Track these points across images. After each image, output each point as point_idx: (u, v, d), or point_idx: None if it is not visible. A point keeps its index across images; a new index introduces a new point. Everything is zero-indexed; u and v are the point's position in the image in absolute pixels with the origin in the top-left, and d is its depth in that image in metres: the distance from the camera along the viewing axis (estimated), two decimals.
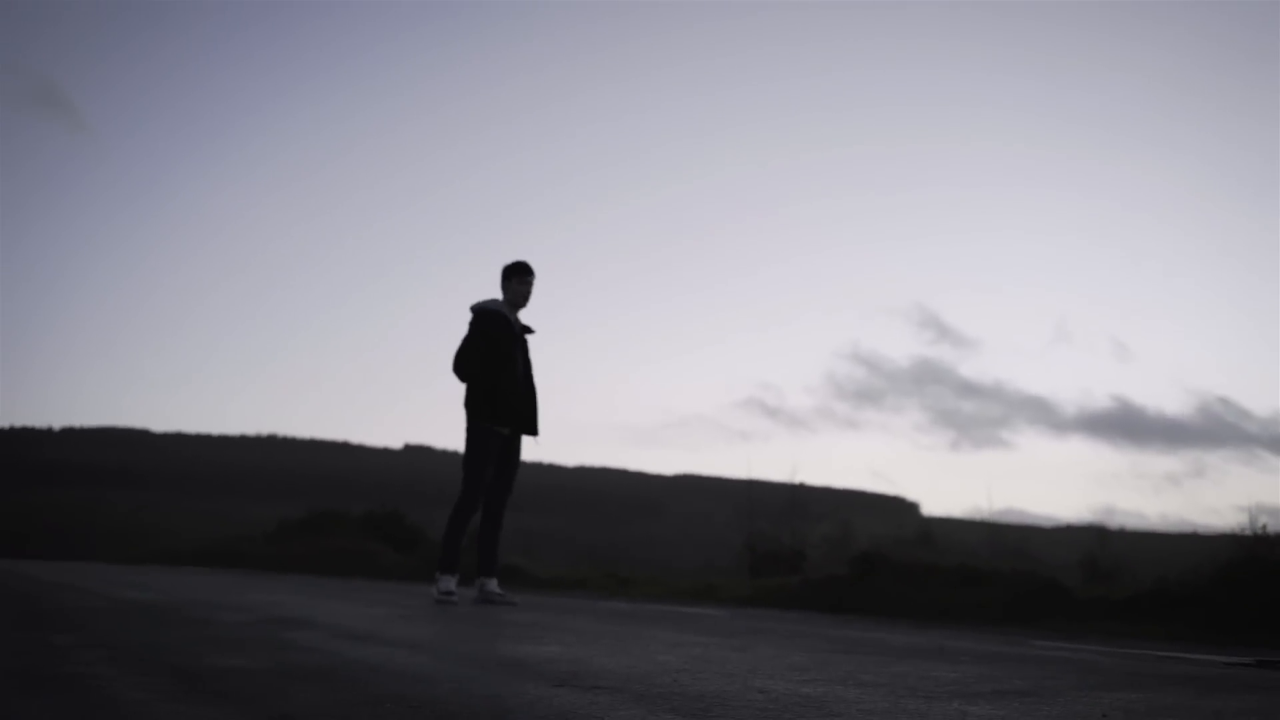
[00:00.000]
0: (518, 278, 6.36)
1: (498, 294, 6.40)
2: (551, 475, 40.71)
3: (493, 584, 6.27)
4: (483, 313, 6.28)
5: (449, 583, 6.16)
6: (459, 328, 6.45)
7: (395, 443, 47.81)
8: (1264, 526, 6.27)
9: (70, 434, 44.43)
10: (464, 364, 6.21)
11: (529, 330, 6.45)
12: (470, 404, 6.23)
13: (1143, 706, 2.39)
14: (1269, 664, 3.79)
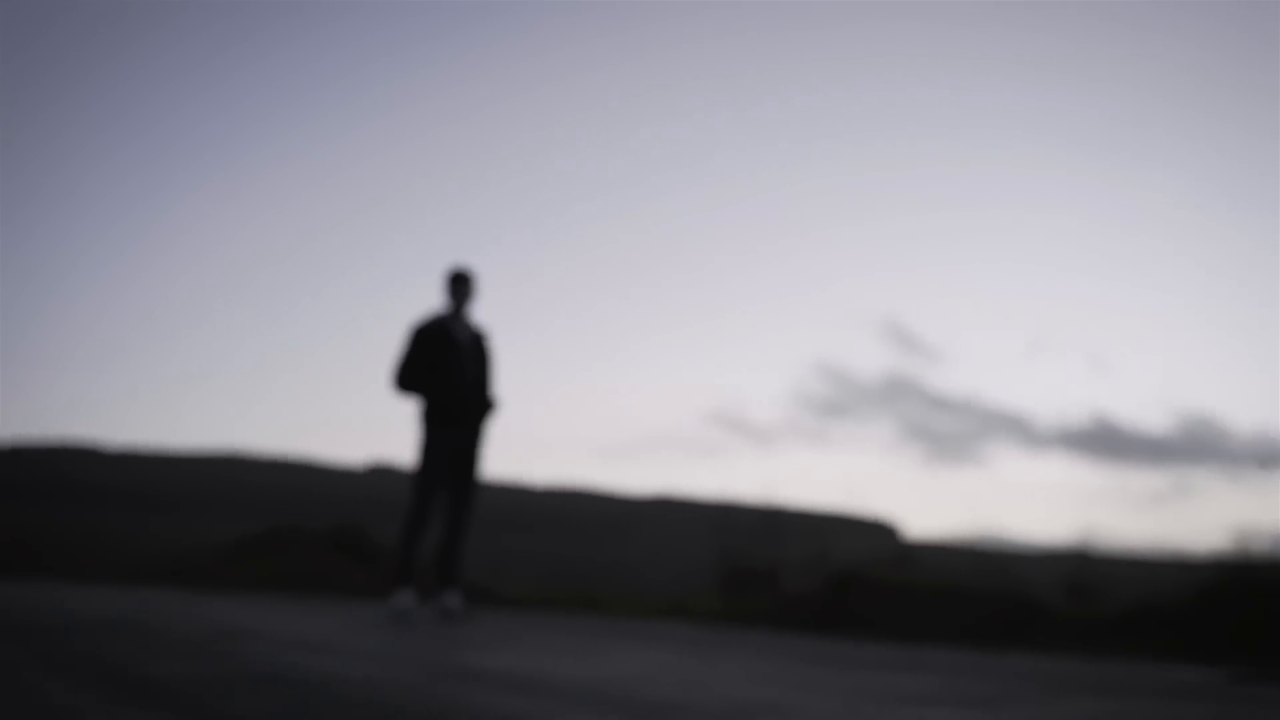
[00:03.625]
0: (454, 286, 6.43)
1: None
2: (522, 495, 40.40)
3: (452, 598, 6.14)
4: (415, 325, 6.39)
5: (404, 597, 6.03)
6: None
7: (359, 460, 47.30)
8: (1248, 548, 6.26)
9: (19, 450, 43.61)
10: (397, 376, 6.30)
11: (479, 336, 6.46)
12: (419, 414, 6.29)
13: (1104, 713, 2.33)
14: (1242, 678, 3.75)
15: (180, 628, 4.65)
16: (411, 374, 6.29)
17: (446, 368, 6.27)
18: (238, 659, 3.19)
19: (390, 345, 6.46)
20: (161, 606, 7.05)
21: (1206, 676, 3.75)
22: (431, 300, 6.49)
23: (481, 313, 6.60)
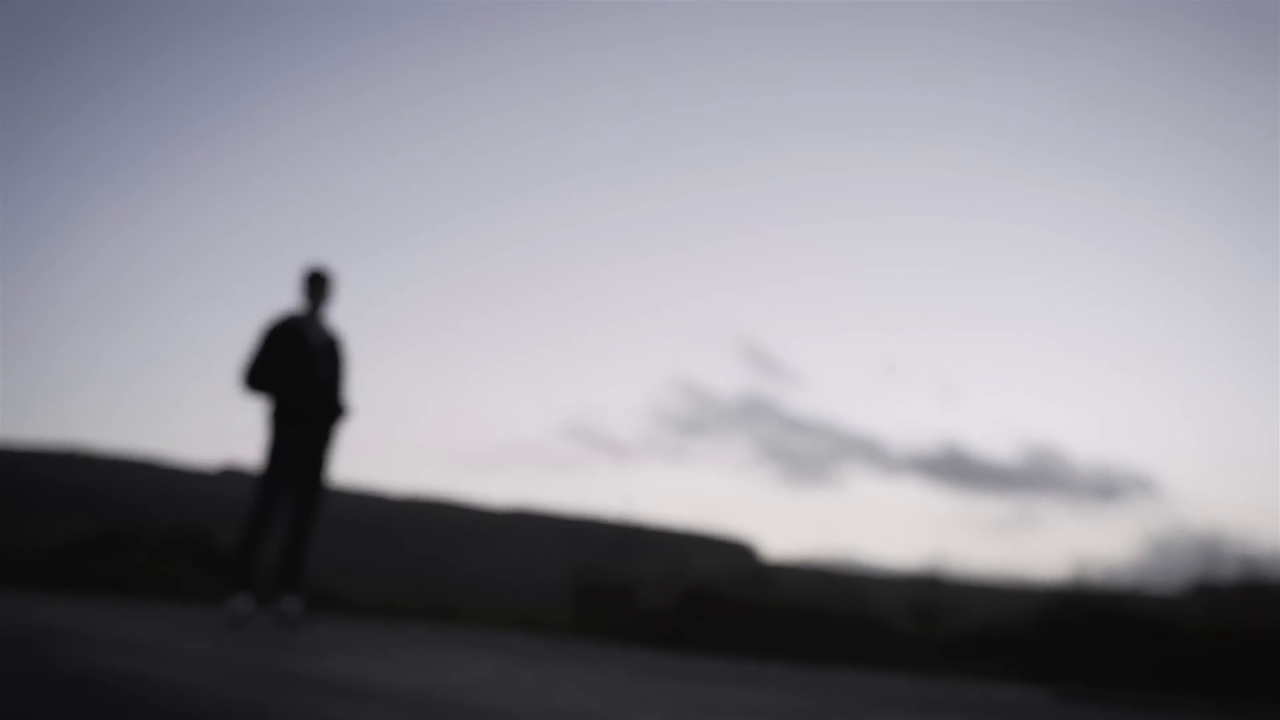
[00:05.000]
0: (311, 285, 6.26)
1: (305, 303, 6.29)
2: (379, 503, 39.54)
3: (292, 603, 5.94)
4: (268, 324, 6.20)
5: (241, 601, 5.81)
6: None
7: (211, 462, 45.45)
8: (1085, 575, 6.55)
9: None
10: (246, 375, 6.10)
11: (334, 339, 6.30)
12: (267, 414, 6.10)
13: None
14: (1066, 696, 3.92)
15: None
16: (261, 374, 6.09)
17: (297, 369, 6.08)
18: (49, 659, 3.01)
19: (245, 343, 6.22)
20: None
21: (1031, 695, 3.91)
22: (288, 298, 6.30)
23: (339, 317, 6.43)
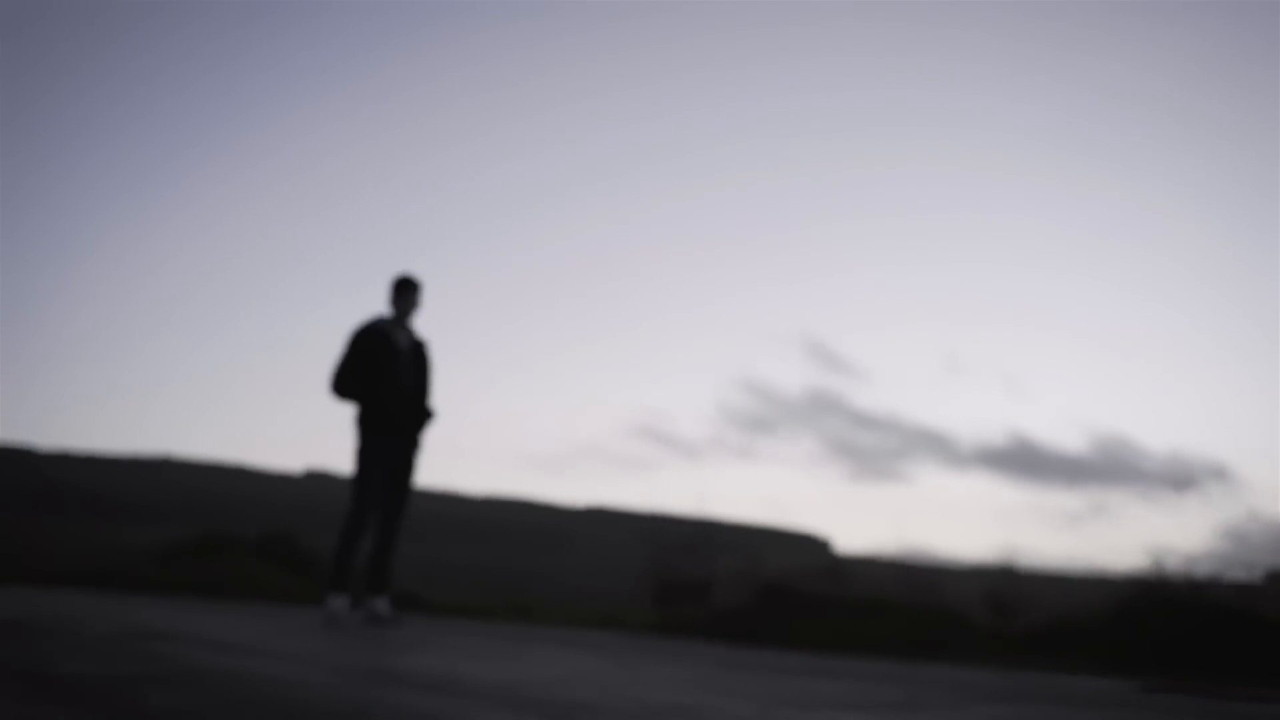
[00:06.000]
0: (400, 292, 6.37)
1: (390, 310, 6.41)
2: (458, 505, 40.10)
3: (382, 604, 6.10)
4: (356, 329, 6.31)
5: (337, 602, 5.98)
6: None
7: (296, 466, 46.64)
8: (1163, 568, 6.44)
9: None
10: (335, 381, 6.22)
11: (420, 344, 6.42)
12: (356, 420, 6.22)
13: (1006, 717, 2.40)
14: (1151, 689, 3.86)
15: (98, 628, 4.57)
16: (349, 379, 6.20)
17: (385, 375, 6.18)
18: (155, 659, 3.15)
19: (331, 352, 6.34)
20: (82, 608, 6.90)
21: (1117, 687, 3.87)
22: (372, 307, 6.42)
23: (423, 323, 6.54)
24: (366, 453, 6.15)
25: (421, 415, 6.30)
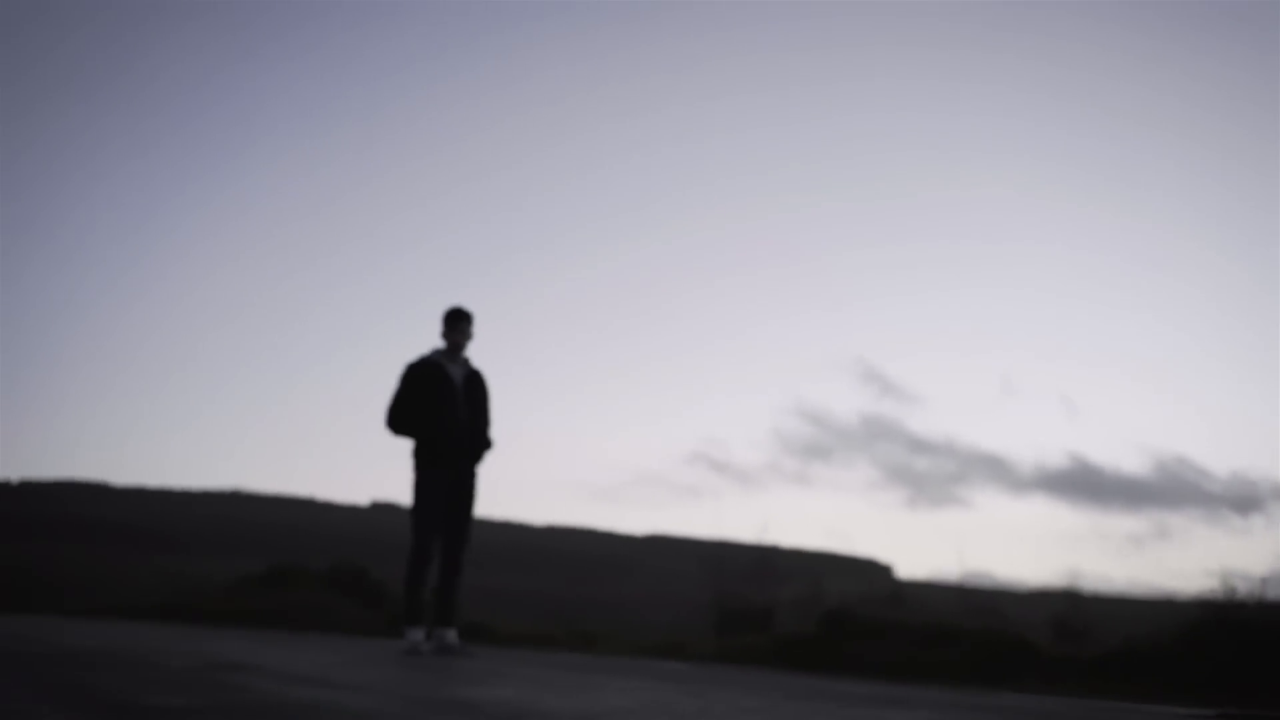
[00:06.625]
0: (452, 323, 6.44)
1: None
2: (520, 534, 40.29)
3: (451, 635, 6.17)
4: (409, 365, 6.40)
5: (415, 634, 6.08)
6: None
7: (362, 499, 47.32)
8: (1234, 590, 6.28)
9: (29, 487, 43.81)
10: (390, 417, 6.33)
11: (475, 375, 6.47)
12: (413, 453, 6.32)
13: None
14: (1229, 718, 3.78)
15: (177, 660, 4.69)
16: (404, 415, 6.29)
17: (440, 407, 6.25)
18: (234, 690, 3.23)
19: (390, 390, 6.43)
20: (160, 640, 7.07)
21: (1192, 716, 3.79)
22: (434, 340, 6.50)
23: (480, 354, 6.58)
24: (424, 485, 6.23)
25: (478, 446, 6.35)
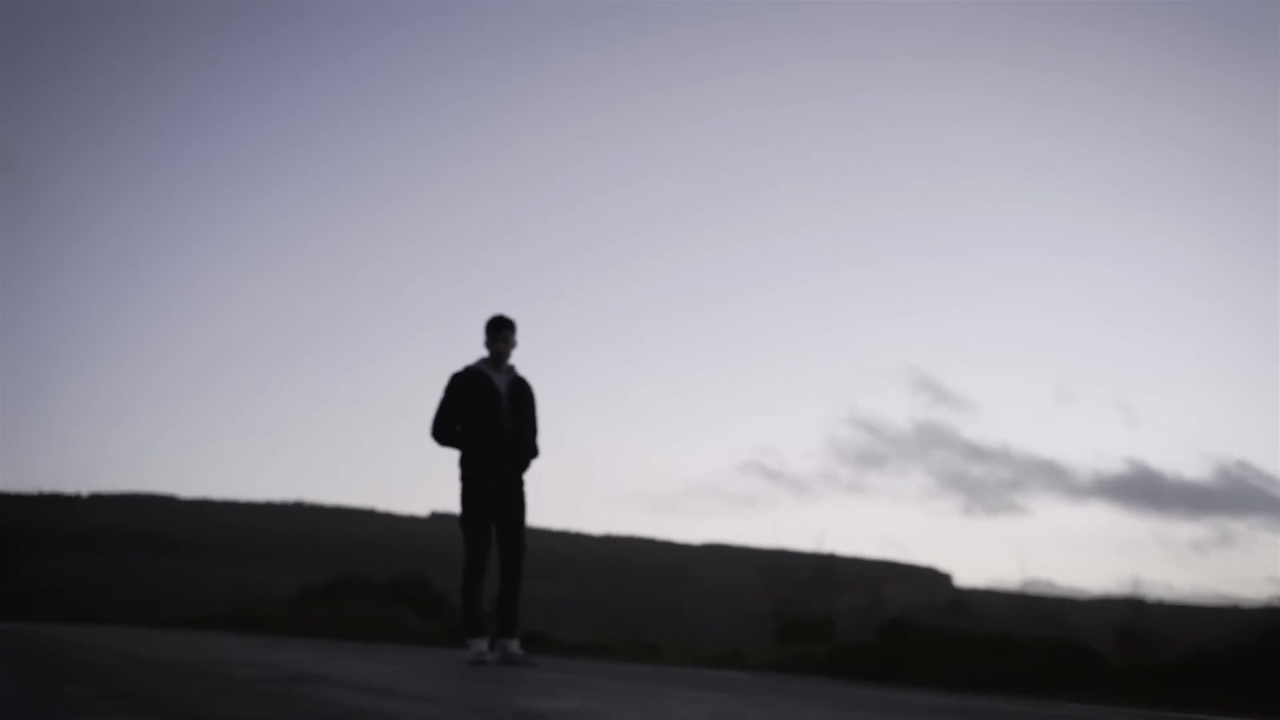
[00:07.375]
0: (494, 333, 6.41)
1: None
2: (578, 543, 40.42)
3: (513, 645, 6.20)
4: (453, 376, 6.38)
5: (478, 645, 6.11)
6: None
7: (421, 510, 47.85)
8: None
9: (98, 500, 45.00)
10: (434, 428, 6.31)
11: (519, 383, 6.43)
12: (459, 463, 6.30)
13: None
14: None
15: (247, 671, 4.78)
16: (448, 426, 6.26)
17: (485, 417, 6.22)
18: (305, 702, 3.29)
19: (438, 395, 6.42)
20: (227, 651, 7.21)
21: None
22: (479, 350, 6.45)
23: (528, 364, 6.49)
24: (471, 496, 6.21)
25: (525, 455, 6.32)
